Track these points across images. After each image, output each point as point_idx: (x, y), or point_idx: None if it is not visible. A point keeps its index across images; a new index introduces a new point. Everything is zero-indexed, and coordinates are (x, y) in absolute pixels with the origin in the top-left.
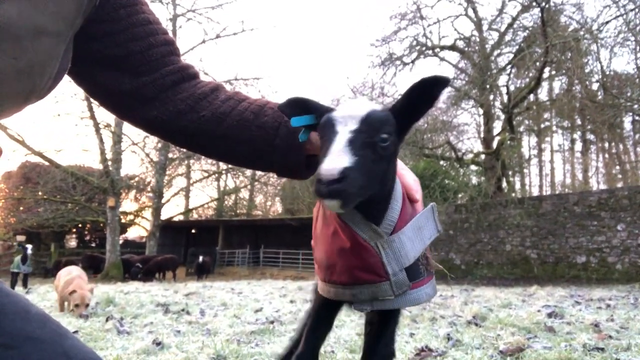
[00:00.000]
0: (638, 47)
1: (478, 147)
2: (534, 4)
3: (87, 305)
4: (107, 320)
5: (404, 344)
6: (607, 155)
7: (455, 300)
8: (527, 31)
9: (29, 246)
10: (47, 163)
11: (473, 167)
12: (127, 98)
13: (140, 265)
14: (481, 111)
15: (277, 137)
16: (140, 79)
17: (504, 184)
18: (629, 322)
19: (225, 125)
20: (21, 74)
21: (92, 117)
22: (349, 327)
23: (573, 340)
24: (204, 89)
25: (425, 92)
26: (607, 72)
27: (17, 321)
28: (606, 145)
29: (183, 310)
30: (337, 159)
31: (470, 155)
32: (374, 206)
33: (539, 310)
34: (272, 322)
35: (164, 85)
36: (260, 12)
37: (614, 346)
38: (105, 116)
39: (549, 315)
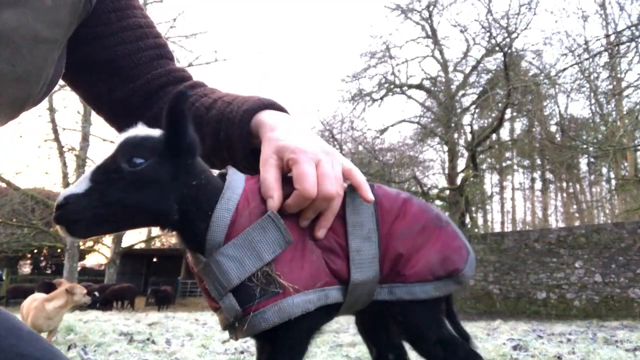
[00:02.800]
0: (592, 94)
1: (443, 182)
2: (497, 48)
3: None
4: (69, 348)
5: None
6: (564, 195)
7: None
8: (491, 74)
9: None
10: (4, 185)
11: (438, 202)
12: (118, 106)
13: (97, 294)
14: (446, 148)
15: (220, 131)
16: (130, 85)
17: (468, 220)
18: (590, 354)
19: None
20: (18, 80)
21: (57, 139)
22: (320, 358)
23: None
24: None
25: (175, 109)
26: (565, 116)
27: (9, 338)
28: (564, 184)
29: (148, 339)
30: (70, 187)
31: (435, 190)
32: (185, 231)
33: (504, 343)
34: (242, 352)
35: (150, 90)
36: (234, 43)
37: None
38: (70, 139)
39: (514, 348)
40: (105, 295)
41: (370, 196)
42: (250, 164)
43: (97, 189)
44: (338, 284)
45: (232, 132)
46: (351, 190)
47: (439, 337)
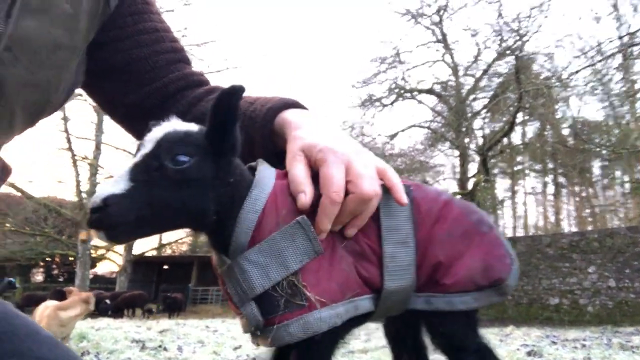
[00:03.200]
0: (606, 96)
1: (454, 187)
2: (508, 52)
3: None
4: (82, 355)
5: None
6: (577, 199)
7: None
8: (502, 77)
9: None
10: (18, 194)
11: None
12: (133, 109)
13: (108, 302)
14: (457, 153)
15: (242, 130)
16: (145, 88)
17: None
18: None
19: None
20: (37, 87)
21: (70, 148)
22: None
23: None
24: (198, 93)
25: (225, 104)
26: (578, 119)
27: (28, 342)
28: (577, 188)
29: (160, 346)
30: (106, 187)
31: None
32: (215, 231)
33: (517, 349)
34: (253, 359)
35: (167, 93)
36: (243, 48)
37: None
38: (83, 148)
39: (528, 354)
40: (116, 303)
41: (404, 199)
42: (273, 167)
43: (140, 189)
44: (369, 292)
45: (255, 132)
46: (385, 191)
47: (476, 346)
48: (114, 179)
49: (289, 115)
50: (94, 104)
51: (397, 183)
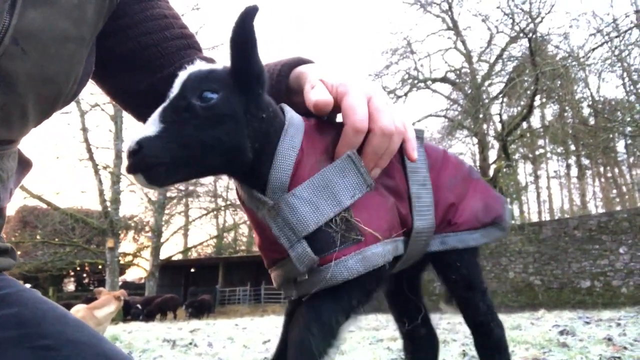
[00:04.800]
0: (625, 73)
1: None
2: (521, 35)
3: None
4: None
5: None
6: (603, 180)
7: (464, 326)
8: (517, 61)
9: None
10: (45, 206)
11: None
12: (145, 97)
13: (140, 307)
14: (475, 140)
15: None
16: (156, 75)
17: None
18: None
19: None
20: (47, 80)
21: (91, 158)
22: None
23: (588, 352)
24: None
25: (241, 28)
26: (597, 98)
27: (57, 325)
28: (601, 169)
29: (190, 344)
30: (139, 130)
31: None
32: (252, 171)
33: (549, 330)
34: None
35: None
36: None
37: (629, 356)
38: (104, 157)
39: (561, 333)
40: (150, 308)
41: (415, 155)
42: None
43: (171, 129)
44: (402, 235)
45: (270, 89)
46: None
47: (484, 288)
48: (147, 124)
49: (304, 68)
50: (111, 112)
51: (413, 138)
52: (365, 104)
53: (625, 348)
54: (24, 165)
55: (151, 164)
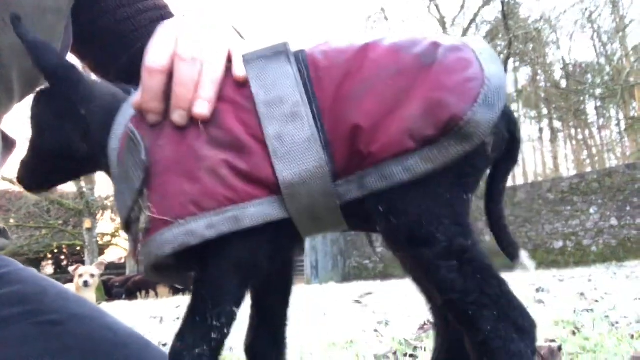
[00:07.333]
0: (595, 34)
1: None
2: None
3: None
4: None
5: (406, 318)
6: (574, 142)
7: None
8: (490, 25)
9: None
10: (17, 189)
11: None
12: (123, 74)
13: (119, 284)
14: None
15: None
16: (131, 50)
17: None
18: (612, 289)
19: None
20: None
21: None
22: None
23: (563, 308)
24: None
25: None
26: (568, 61)
27: (59, 301)
28: (573, 132)
29: (178, 319)
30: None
31: None
32: (106, 169)
33: (526, 289)
34: None
35: None
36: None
37: (601, 308)
38: None
39: (537, 290)
40: (128, 287)
41: (241, 72)
42: None
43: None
44: (264, 194)
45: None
46: (257, 57)
47: (450, 241)
48: None
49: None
50: None
51: (237, 59)
52: (169, 42)
53: (596, 301)
54: (9, 145)
55: (22, 179)
